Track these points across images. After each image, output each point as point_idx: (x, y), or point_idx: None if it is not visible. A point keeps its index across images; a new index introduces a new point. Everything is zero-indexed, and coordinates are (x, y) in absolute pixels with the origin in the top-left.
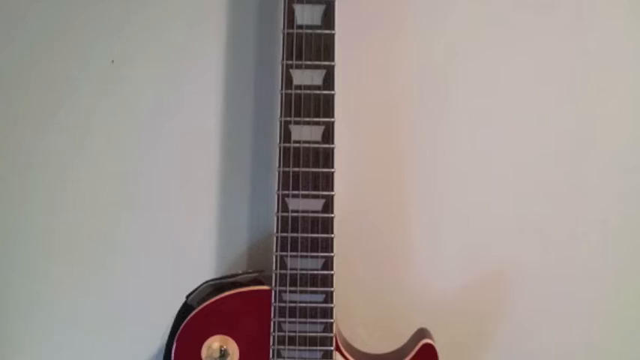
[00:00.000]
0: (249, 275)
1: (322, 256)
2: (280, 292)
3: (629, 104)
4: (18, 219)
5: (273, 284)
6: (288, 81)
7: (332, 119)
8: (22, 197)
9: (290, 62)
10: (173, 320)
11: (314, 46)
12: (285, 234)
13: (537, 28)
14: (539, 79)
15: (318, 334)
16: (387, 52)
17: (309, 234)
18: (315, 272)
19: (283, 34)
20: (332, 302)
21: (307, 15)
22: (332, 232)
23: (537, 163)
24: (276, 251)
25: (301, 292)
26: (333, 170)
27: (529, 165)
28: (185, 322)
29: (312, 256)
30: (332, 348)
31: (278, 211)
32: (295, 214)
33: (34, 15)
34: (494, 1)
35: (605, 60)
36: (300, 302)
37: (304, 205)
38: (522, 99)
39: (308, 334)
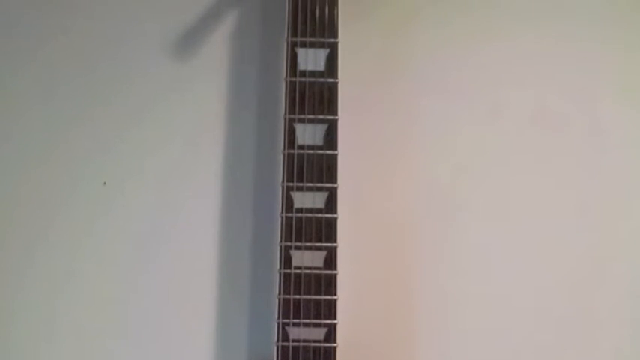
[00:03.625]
0: None
1: None
2: None
3: None
4: (6, 341)
5: None
6: (288, 204)
7: (334, 244)
8: (10, 320)
9: (290, 184)
10: None
11: (316, 168)
12: None
13: (547, 148)
14: (550, 200)
15: None
16: (391, 174)
17: None
18: None
19: (284, 154)
20: None
21: (309, 134)
22: None
23: (547, 288)
24: None
25: None
26: (335, 297)
27: (539, 289)
28: None
29: None
30: None
31: (278, 340)
32: (296, 344)
33: (24, 134)
34: (502, 123)
35: (618, 185)
36: None
37: (305, 333)
38: (532, 221)
39: None
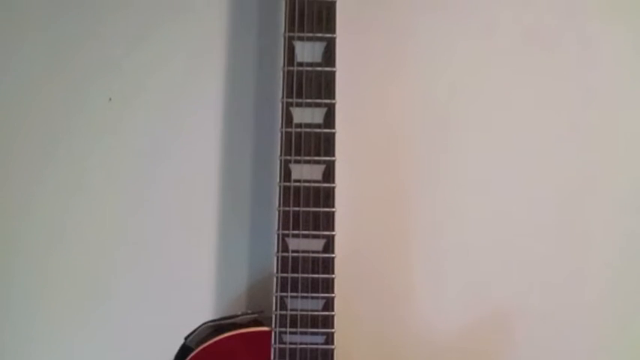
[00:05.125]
0: (249, 316)
1: (323, 297)
2: (280, 333)
3: (633, 144)
4: (15, 254)
5: (273, 325)
6: (288, 119)
7: (333, 158)
8: (19, 234)
9: (290, 100)
10: None
11: (314, 84)
12: (285, 274)
13: (540, 66)
14: (542, 117)
15: None
16: (388, 90)
17: (310, 274)
18: (316, 313)
19: (283, 71)
20: (333, 343)
21: (308, 52)
22: (333, 273)
23: (539, 203)
24: (276, 292)
25: (302, 333)
26: (333, 210)
27: (531, 205)
28: None
29: (312, 297)
30: None
31: (278, 251)
32: (295, 254)
33: (30, 52)
34: (496, 40)
35: (609, 99)
36: (301, 343)
37: (304, 245)
38: (524, 137)
39: None
